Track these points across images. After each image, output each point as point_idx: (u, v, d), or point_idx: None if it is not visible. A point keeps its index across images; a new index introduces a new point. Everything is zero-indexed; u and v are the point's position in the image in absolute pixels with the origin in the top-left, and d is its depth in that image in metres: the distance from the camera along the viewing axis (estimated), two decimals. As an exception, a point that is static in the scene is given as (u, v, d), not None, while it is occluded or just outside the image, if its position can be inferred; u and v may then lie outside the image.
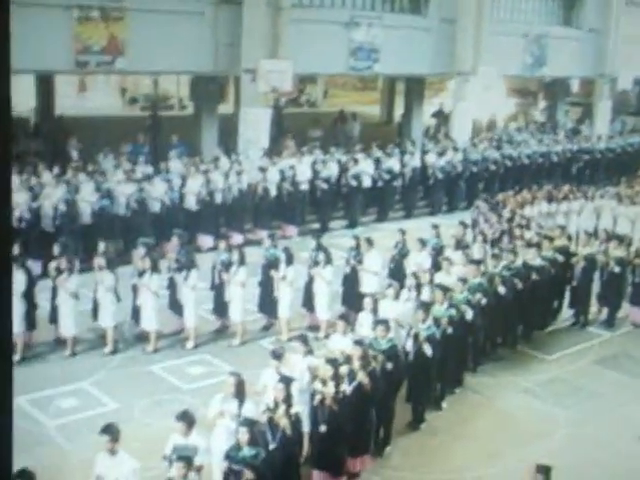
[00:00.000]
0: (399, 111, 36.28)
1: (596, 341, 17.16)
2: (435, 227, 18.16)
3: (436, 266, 16.13)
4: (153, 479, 9.47)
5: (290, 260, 15.87)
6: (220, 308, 16.09)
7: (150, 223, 20.12)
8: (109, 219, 19.88)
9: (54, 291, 15.09)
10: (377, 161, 25.69)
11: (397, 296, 14.02)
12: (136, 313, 15.52)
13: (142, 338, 15.53)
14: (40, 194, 18.93)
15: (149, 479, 9.45)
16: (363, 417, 11.17)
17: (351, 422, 10.74)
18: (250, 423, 9.34)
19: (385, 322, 12.28)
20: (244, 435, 9.12)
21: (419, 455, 12.19)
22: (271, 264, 16.15)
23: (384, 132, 34.40)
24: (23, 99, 31.83)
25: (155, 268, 15.20)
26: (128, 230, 19.77)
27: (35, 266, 16.46)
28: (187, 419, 9.36)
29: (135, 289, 15.45)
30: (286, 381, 10.26)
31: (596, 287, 18.01)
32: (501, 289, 15.38)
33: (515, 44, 32.18)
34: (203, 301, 16.08)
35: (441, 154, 27.40)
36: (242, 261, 15.59)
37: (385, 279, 16.38)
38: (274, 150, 25.20)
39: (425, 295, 14.43)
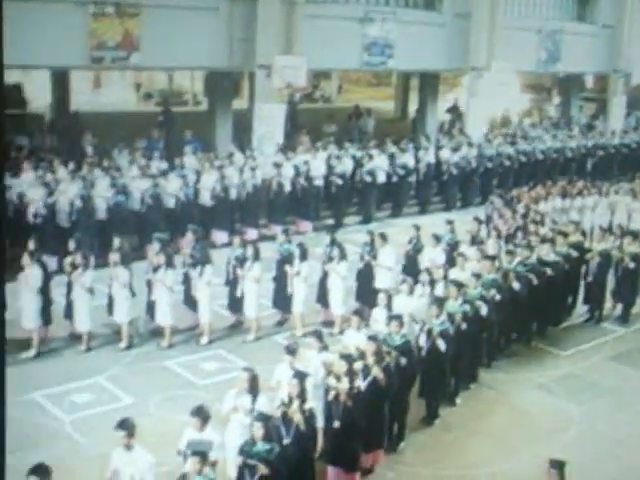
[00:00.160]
0: (413, 107, 36.21)
1: (610, 337, 17.13)
2: (449, 223, 18.15)
3: (450, 262, 16.13)
4: (168, 474, 9.49)
5: (304, 256, 15.88)
6: (234, 304, 16.11)
7: (165, 219, 20.13)
8: (124, 215, 19.92)
9: (69, 286, 15.15)
10: (391, 157, 25.64)
11: (411, 292, 14.01)
12: (151, 308, 15.57)
13: (157, 333, 15.58)
14: (55, 190, 18.98)
15: (164, 474, 9.47)
16: (377, 413, 11.19)
17: (365, 418, 10.74)
18: (265, 418, 9.36)
19: (399, 317, 12.29)
20: (259, 430, 9.14)
21: (433, 451, 12.21)
22: (285, 259, 16.16)
23: (398, 128, 34.36)
24: (39, 95, 32.01)
25: (170, 263, 15.25)
26: (143, 226, 19.81)
27: (51, 261, 16.54)
28: (202, 414, 9.38)
29: (150, 284, 15.50)
30: (300, 376, 10.28)
31: (610, 283, 17.98)
32: (516, 285, 15.36)
33: (529, 40, 32.01)
34: (218, 297, 16.07)
35: (455, 150, 27.32)
36: (256, 257, 15.61)
37: (399, 275, 16.39)
38: (288, 146, 25.18)
39: (439, 291, 14.45)
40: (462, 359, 13.49)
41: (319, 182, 23.63)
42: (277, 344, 14.91)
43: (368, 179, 24.51)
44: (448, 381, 13.37)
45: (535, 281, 15.87)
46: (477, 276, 14.52)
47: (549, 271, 16.34)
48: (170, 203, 20.60)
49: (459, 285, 13.81)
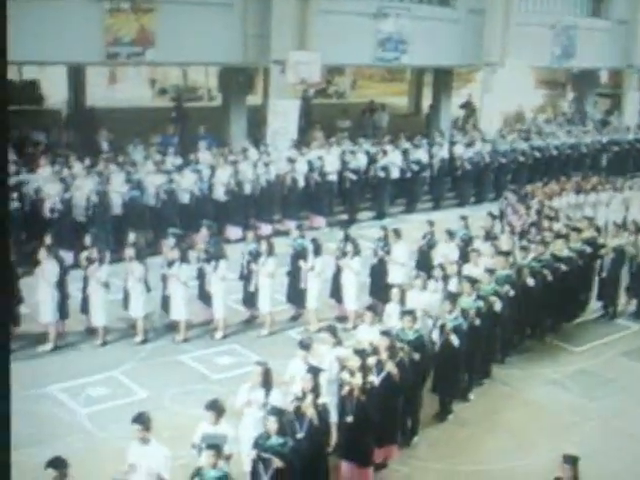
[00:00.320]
0: (427, 102, 36.19)
1: (624, 333, 17.12)
2: (463, 218, 18.18)
3: (464, 257, 16.15)
4: (183, 467, 9.56)
5: (318, 251, 15.93)
6: (249, 298, 16.19)
7: (179, 214, 20.22)
8: (139, 210, 20.01)
9: (85, 281, 15.26)
10: (405, 152, 25.64)
11: (424, 287, 14.06)
12: (166, 303, 15.67)
13: (172, 328, 15.67)
14: (72, 185, 19.10)
15: (179, 467, 9.54)
16: (390, 408, 11.23)
17: (378, 413, 10.77)
18: (279, 412, 9.42)
19: (412, 313, 12.33)
20: (273, 424, 9.19)
21: (447, 446, 12.24)
22: (299, 255, 16.22)
23: (412, 123, 34.33)
24: (55, 91, 32.17)
25: (184, 258, 15.34)
26: (158, 221, 19.88)
27: (67, 256, 16.63)
28: (216, 408, 9.47)
29: (165, 279, 15.60)
30: (314, 371, 10.34)
31: (625, 279, 17.96)
32: (529, 281, 15.37)
33: (543, 35, 31.96)
34: (232, 291, 16.14)
35: (469, 145, 27.32)
36: (270, 252, 15.66)
37: (412, 270, 16.42)
38: (303, 141, 25.22)
39: (452, 286, 14.47)
40: (475, 355, 13.50)
41: (333, 177, 23.66)
42: (291, 339, 14.97)
43: (382, 174, 24.53)
44: (461, 377, 13.39)
45: (549, 277, 15.88)
46: (491, 272, 14.53)
47: (563, 267, 16.35)
48: (185, 198, 20.68)
49: (473, 281, 13.82)
